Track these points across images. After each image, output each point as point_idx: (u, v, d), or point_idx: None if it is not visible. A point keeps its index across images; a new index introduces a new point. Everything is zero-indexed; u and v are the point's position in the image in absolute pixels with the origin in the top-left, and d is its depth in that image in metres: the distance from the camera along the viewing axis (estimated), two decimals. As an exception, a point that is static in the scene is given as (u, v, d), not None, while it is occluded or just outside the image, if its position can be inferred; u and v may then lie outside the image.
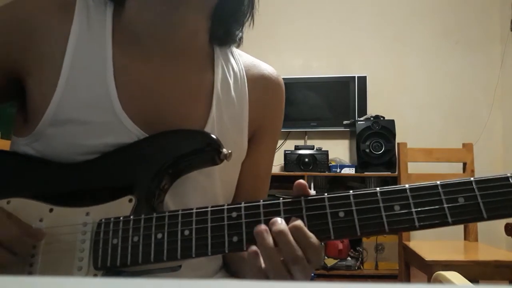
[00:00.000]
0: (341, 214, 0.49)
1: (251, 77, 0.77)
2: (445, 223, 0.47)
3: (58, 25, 0.65)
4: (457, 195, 0.47)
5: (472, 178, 0.47)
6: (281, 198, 0.52)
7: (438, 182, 0.48)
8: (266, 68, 0.80)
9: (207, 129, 0.68)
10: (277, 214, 0.51)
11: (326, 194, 0.51)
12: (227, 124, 0.71)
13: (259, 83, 0.77)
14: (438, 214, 0.47)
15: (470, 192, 0.47)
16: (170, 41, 0.68)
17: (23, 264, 0.56)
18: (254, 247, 0.50)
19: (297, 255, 0.49)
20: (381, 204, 0.48)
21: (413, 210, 0.47)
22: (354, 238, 0.49)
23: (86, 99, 0.63)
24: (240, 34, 0.76)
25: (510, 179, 0.46)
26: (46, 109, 0.62)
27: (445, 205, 0.47)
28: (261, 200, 0.52)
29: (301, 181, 0.52)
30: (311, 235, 0.49)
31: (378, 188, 0.49)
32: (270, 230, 0.49)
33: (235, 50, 0.79)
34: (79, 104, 0.63)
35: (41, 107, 0.63)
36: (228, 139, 0.70)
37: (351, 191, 0.50)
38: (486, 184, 0.47)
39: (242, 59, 0.78)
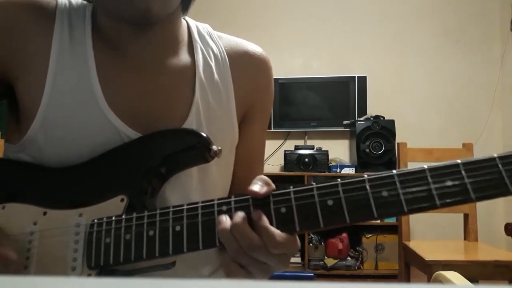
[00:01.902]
0: (330, 203, 0.49)
1: (234, 57, 0.75)
2: (433, 206, 0.47)
3: (41, 28, 0.65)
4: (445, 178, 0.47)
5: (459, 161, 0.48)
6: None
7: (426, 166, 0.48)
8: (250, 46, 0.78)
9: (191, 115, 0.68)
10: (267, 205, 0.51)
11: (314, 184, 0.51)
12: (215, 108, 0.70)
13: (243, 62, 0.75)
14: (427, 198, 0.47)
15: (457, 174, 0.47)
16: (143, 36, 0.67)
17: (18, 267, 0.57)
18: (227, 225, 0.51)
19: (252, 243, 0.50)
20: (369, 191, 0.49)
21: (401, 194, 0.48)
22: (344, 225, 0.49)
23: (73, 101, 0.64)
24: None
25: (497, 160, 0.46)
26: (36, 113, 0.63)
27: (433, 188, 0.47)
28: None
29: (251, 190, 0.52)
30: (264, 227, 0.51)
31: (366, 176, 0.50)
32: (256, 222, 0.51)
33: (213, 33, 0.77)
34: (67, 106, 0.63)
35: (31, 112, 0.63)
36: (217, 124, 0.70)
37: (339, 180, 0.50)
38: (473, 165, 0.47)
39: (223, 41, 0.76)
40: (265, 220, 0.50)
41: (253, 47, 0.77)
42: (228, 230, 0.50)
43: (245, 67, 0.75)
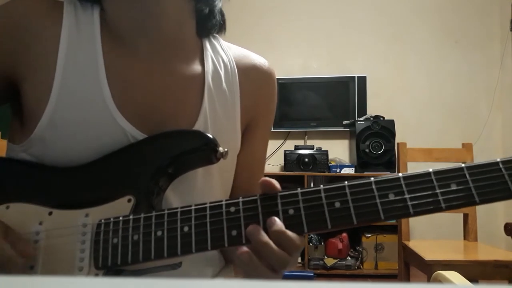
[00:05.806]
0: (337, 205, 0.50)
1: (242, 68, 0.77)
2: (438, 209, 0.48)
3: (48, 28, 0.66)
4: (450, 181, 0.48)
5: (463, 165, 0.49)
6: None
7: (431, 170, 0.50)
8: (257, 59, 0.80)
9: (200, 121, 0.68)
10: (275, 207, 0.52)
11: (322, 186, 0.52)
12: (220, 115, 0.71)
13: (250, 74, 0.77)
14: (432, 200, 0.48)
15: (462, 178, 0.48)
16: (155, 35, 0.68)
17: (24, 267, 0.56)
18: (245, 248, 0.51)
19: (295, 245, 0.51)
20: (376, 193, 0.50)
21: (407, 197, 0.49)
22: (351, 227, 0.51)
23: (81, 100, 0.64)
24: (223, 18, 0.78)
25: (500, 164, 0.48)
26: (43, 112, 0.63)
27: (438, 192, 0.48)
28: (258, 195, 0.53)
29: (266, 179, 0.53)
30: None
31: (372, 178, 0.51)
32: (270, 229, 0.51)
33: (223, 43, 0.79)
34: (75, 105, 0.63)
35: (37, 111, 0.63)
36: (222, 131, 0.71)
37: (346, 182, 0.51)
38: (477, 169, 0.48)
39: (232, 51, 0.78)
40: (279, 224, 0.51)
41: (260, 60, 0.80)
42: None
43: (252, 78, 0.77)
